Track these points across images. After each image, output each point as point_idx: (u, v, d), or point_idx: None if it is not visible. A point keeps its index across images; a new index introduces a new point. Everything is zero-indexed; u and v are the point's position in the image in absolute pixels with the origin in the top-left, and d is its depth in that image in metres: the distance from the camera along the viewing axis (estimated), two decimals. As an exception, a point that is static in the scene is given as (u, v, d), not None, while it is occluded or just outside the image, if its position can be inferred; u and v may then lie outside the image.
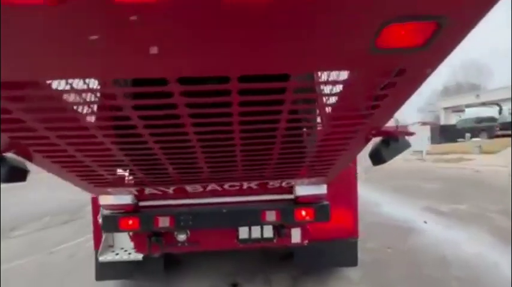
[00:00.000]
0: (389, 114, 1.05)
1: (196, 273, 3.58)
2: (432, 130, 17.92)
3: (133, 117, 0.96)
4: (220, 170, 1.46)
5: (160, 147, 1.17)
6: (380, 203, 7.05)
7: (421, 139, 13.10)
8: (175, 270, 3.57)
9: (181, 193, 1.92)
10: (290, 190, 1.93)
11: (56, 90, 0.95)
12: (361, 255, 4.05)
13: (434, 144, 17.39)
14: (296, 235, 2.23)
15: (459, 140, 19.72)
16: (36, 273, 3.93)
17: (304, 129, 1.24)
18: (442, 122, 32.95)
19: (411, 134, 1.38)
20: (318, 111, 1.17)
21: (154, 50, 0.68)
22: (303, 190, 1.91)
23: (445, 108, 34.65)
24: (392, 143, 1.28)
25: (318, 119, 1.18)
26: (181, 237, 2.17)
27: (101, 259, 2.88)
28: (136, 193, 1.81)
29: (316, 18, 0.63)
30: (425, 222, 5.37)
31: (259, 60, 0.72)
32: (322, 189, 1.91)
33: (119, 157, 1.25)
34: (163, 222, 1.98)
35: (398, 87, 0.89)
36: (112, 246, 3.09)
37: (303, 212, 2.01)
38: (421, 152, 13.52)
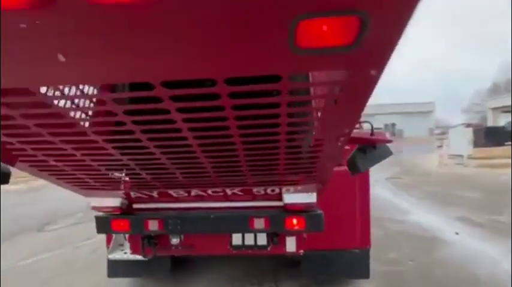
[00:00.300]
0: (350, 121, 0.94)
1: (204, 277, 3.59)
2: (476, 132, 16.49)
3: (78, 124, 0.96)
4: (192, 176, 1.43)
5: (120, 153, 1.17)
6: (409, 210, 6.62)
7: (461, 142, 12.10)
8: (183, 273, 3.60)
9: (173, 197, 1.92)
10: (280, 197, 1.85)
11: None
12: (378, 266, 3.82)
13: (479, 148, 15.99)
14: (291, 244, 2.13)
15: (507, 143, 17.95)
16: (58, 266, 4.19)
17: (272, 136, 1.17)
18: (490, 123, 30.31)
19: (388, 141, 1.24)
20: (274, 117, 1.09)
21: (61, 57, 0.66)
22: (291, 197, 1.82)
23: (494, 109, 31.82)
24: (369, 151, 1.16)
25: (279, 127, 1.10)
26: (175, 241, 2.17)
27: (110, 257, 2.99)
28: (124, 195, 1.84)
29: (219, 16, 0.57)
30: (456, 233, 4.93)
31: (162, 65, 0.67)
32: (311, 197, 1.79)
33: (88, 162, 1.26)
34: (153, 225, 2.00)
35: (347, 91, 0.79)
36: (122, 245, 3.19)
37: (294, 221, 1.91)
38: (462, 156, 12.48)
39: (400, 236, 4.98)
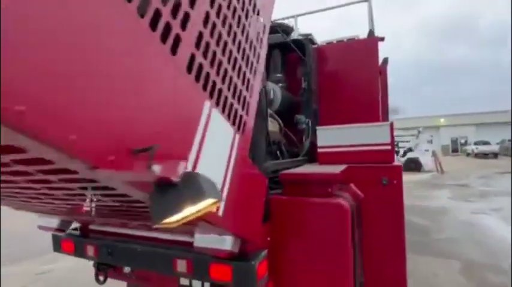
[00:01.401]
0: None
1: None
2: None
3: None
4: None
5: None
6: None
7: None
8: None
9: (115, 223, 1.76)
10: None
11: None
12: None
13: None
14: (245, 297, 1.63)
15: None
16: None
17: None
18: None
19: (167, 181, 0.70)
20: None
21: None
22: (201, 240, 1.37)
23: None
24: (166, 190, 0.70)
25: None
26: (127, 269, 2.00)
27: None
28: (62, 217, 1.79)
29: None
30: None
31: None
32: (224, 243, 1.31)
33: None
34: (90, 251, 1.89)
35: None
36: None
37: (222, 270, 1.44)
38: None
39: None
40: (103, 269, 2.06)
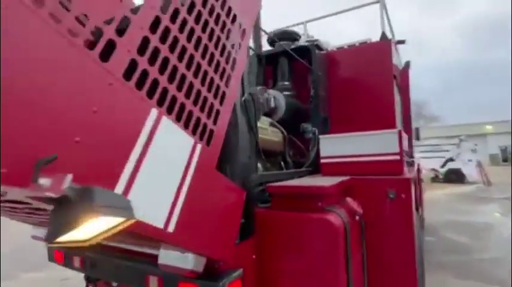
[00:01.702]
0: None
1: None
2: None
3: None
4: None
5: None
6: None
7: None
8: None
9: None
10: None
11: None
12: None
13: None
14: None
15: None
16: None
17: None
18: None
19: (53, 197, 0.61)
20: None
21: None
22: (165, 256, 1.29)
23: None
24: (65, 206, 0.64)
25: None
26: (115, 284, 1.97)
27: None
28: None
29: None
30: None
31: None
32: (185, 261, 1.21)
33: None
34: (77, 262, 1.88)
35: None
36: None
37: (194, 288, 1.35)
38: None
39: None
40: (92, 281, 2.06)
